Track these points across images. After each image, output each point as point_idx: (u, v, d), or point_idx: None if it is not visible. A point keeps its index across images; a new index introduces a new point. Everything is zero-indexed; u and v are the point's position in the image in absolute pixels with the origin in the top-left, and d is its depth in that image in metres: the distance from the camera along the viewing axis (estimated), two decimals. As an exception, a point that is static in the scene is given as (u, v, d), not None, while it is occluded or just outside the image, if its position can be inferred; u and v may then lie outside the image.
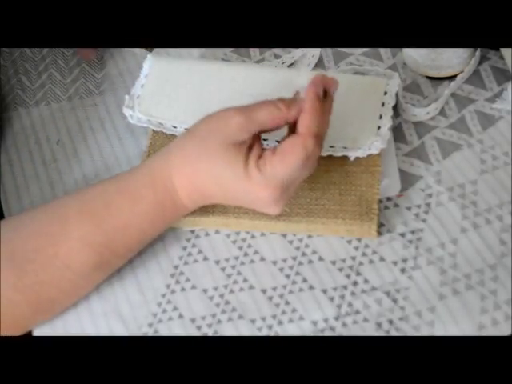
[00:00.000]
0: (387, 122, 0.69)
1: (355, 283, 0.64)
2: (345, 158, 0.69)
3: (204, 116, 0.64)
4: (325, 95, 0.63)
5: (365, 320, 0.62)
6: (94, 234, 0.63)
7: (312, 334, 0.62)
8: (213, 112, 0.63)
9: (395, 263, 0.65)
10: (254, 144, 0.62)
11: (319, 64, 0.79)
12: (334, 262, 0.66)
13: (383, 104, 0.70)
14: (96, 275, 0.65)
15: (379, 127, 0.69)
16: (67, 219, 0.63)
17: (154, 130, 0.74)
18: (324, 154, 0.69)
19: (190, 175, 0.63)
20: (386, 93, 0.71)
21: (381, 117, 0.70)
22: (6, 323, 0.61)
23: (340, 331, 0.62)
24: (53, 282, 0.62)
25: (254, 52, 0.82)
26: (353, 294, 0.64)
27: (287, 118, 0.61)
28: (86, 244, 0.62)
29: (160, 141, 0.74)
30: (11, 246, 0.62)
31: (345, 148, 0.69)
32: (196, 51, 0.83)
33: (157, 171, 0.64)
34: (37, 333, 0.65)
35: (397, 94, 0.72)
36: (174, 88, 0.75)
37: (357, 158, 0.69)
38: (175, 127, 0.74)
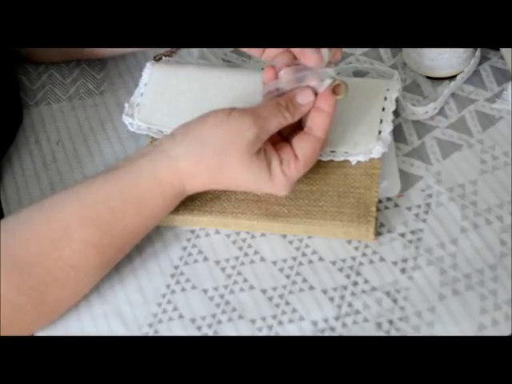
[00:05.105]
0: (388, 127, 0.69)
1: (355, 283, 0.64)
2: (344, 160, 0.69)
3: (211, 114, 0.64)
4: None
5: (365, 320, 0.62)
6: (99, 238, 0.63)
7: (312, 334, 0.62)
8: (222, 111, 0.64)
9: (395, 263, 0.65)
10: (266, 147, 0.64)
11: (319, 64, 0.79)
12: (334, 263, 0.66)
13: (383, 109, 0.70)
14: (100, 272, 0.65)
15: (380, 131, 0.69)
16: (69, 225, 0.62)
17: (153, 138, 0.74)
18: (325, 158, 0.69)
19: (206, 183, 0.65)
20: (385, 98, 0.71)
21: (381, 121, 0.70)
22: (10, 327, 0.61)
23: (340, 331, 0.62)
24: (57, 283, 0.62)
25: (254, 52, 0.82)
26: (353, 294, 0.64)
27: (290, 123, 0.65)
28: (91, 246, 0.62)
29: None
30: (12, 251, 0.61)
31: (346, 153, 0.69)
32: (196, 51, 0.83)
33: (164, 177, 0.64)
34: (38, 333, 0.65)
35: (397, 99, 0.71)
36: (173, 96, 0.75)
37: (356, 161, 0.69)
38: None
